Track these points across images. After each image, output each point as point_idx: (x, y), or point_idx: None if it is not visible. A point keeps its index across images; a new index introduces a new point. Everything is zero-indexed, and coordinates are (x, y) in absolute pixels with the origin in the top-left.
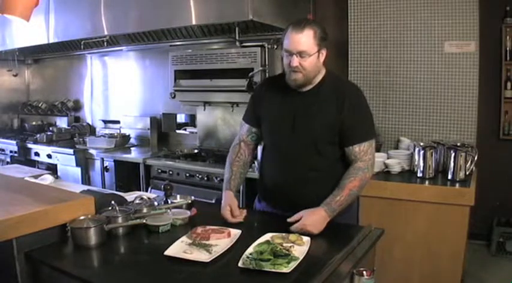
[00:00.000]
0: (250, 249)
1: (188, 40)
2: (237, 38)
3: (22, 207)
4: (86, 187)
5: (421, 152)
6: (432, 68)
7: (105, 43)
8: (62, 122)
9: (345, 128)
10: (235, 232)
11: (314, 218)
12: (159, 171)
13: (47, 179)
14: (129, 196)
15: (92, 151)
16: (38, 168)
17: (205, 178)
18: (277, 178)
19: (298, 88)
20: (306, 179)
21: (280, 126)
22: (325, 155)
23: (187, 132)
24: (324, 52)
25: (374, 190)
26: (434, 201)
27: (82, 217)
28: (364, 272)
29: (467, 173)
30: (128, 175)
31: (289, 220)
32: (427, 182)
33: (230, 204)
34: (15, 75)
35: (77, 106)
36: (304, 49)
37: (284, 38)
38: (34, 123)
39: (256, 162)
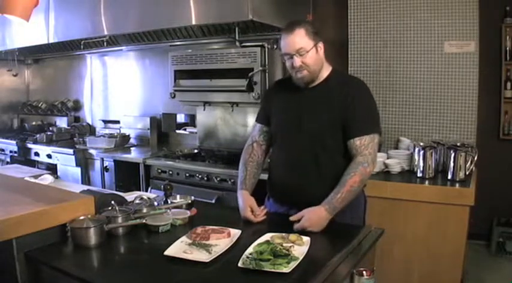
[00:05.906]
0: (250, 249)
1: (188, 40)
2: (237, 38)
3: (22, 207)
4: (85, 187)
5: (421, 152)
6: (432, 68)
7: (105, 43)
8: (62, 122)
9: (347, 120)
10: (235, 232)
11: (314, 218)
12: (159, 171)
13: (47, 179)
14: (129, 196)
15: (91, 151)
16: (38, 168)
17: (205, 178)
18: (283, 175)
19: (307, 85)
20: (312, 176)
21: (288, 123)
22: (331, 152)
23: (187, 132)
24: (321, 45)
25: (374, 190)
26: (434, 201)
27: (82, 217)
28: (364, 272)
29: (467, 173)
30: (128, 176)
31: (291, 218)
32: (427, 182)
33: (250, 204)
34: (15, 75)
35: (77, 106)
36: (301, 46)
37: (280, 44)
38: (34, 123)
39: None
